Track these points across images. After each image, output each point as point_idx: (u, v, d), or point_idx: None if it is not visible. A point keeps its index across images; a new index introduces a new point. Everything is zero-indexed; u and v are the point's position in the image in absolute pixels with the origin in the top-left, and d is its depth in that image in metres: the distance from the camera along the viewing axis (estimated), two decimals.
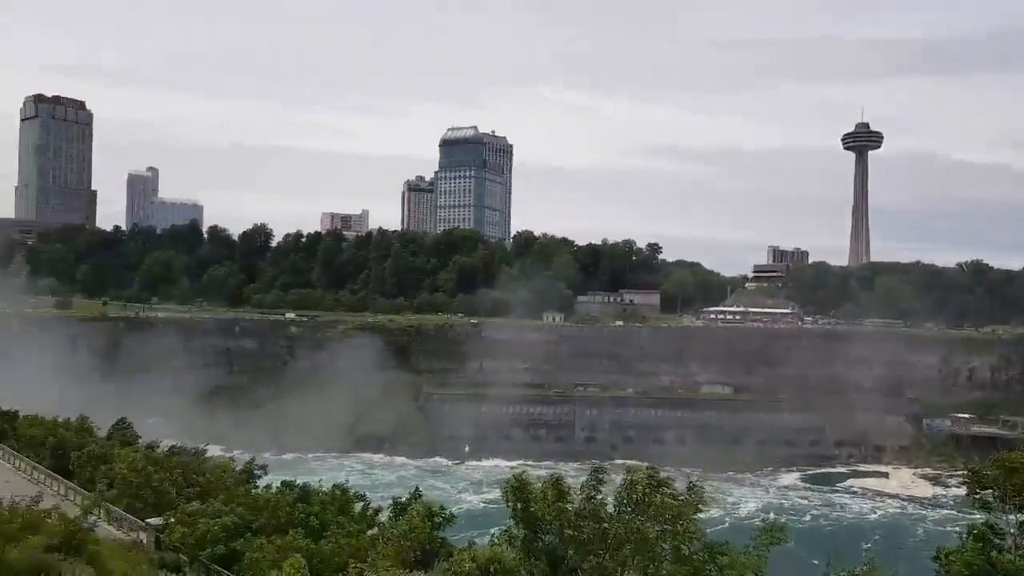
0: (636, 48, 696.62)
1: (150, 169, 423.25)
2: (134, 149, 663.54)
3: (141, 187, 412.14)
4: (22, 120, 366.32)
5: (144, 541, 32.49)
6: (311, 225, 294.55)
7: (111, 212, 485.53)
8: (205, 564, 31.58)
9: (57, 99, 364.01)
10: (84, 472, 46.65)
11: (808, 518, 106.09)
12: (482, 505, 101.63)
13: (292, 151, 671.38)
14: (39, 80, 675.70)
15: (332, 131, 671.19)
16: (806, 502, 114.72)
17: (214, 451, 61.54)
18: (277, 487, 40.59)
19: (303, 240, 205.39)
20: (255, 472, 46.76)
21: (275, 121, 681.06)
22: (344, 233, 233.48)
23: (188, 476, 41.00)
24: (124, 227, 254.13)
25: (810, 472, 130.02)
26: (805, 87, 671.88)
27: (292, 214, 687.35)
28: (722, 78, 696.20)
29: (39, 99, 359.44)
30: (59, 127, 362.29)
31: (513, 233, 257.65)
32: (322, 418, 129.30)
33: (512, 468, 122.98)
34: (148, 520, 34.27)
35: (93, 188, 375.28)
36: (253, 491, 41.74)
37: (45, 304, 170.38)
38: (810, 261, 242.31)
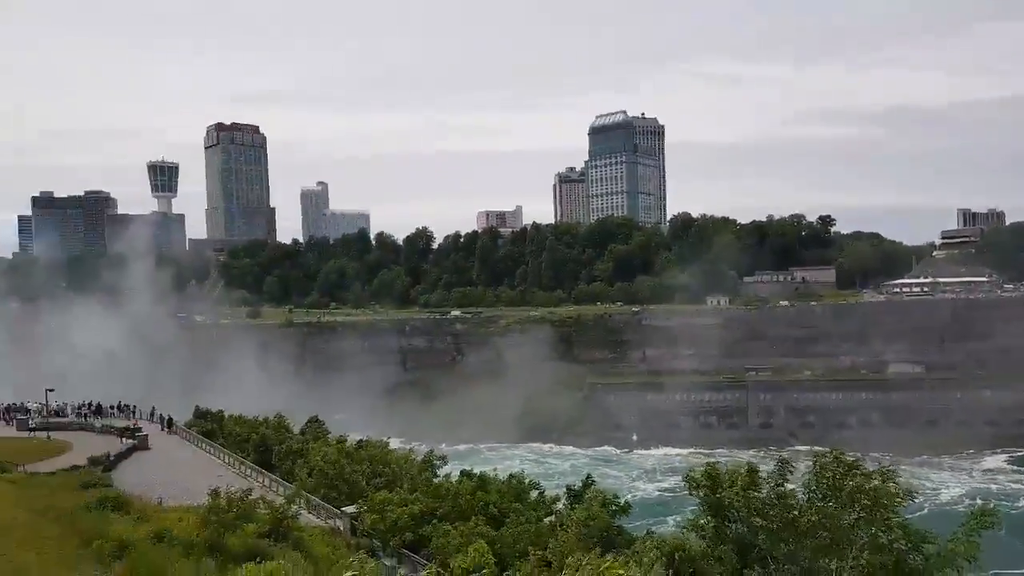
0: (795, 8, 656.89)
1: (320, 183, 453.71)
2: (305, 166, 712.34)
3: (313, 201, 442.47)
4: (207, 148, 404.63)
5: (341, 528, 34.73)
6: (469, 225, 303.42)
7: (289, 227, 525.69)
8: (396, 549, 33.33)
9: (235, 126, 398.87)
10: (284, 465, 50.69)
11: (1022, 503, 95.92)
12: (656, 493, 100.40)
13: (448, 155, 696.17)
14: (218, 110, 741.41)
15: (485, 132, 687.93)
16: (1018, 486, 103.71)
17: (395, 443, 64.81)
18: (456, 476, 42.12)
19: (462, 240, 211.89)
20: (435, 462, 48.68)
21: (432, 128, 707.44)
22: (500, 230, 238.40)
23: (375, 467, 43.38)
24: (301, 239, 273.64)
25: (1019, 454, 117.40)
26: (981, 36, 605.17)
27: (451, 216, 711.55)
28: (887, 28, 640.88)
29: (219, 127, 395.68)
30: (239, 151, 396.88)
31: (670, 216, 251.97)
32: (492, 410, 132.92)
33: (684, 456, 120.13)
34: (343, 508, 36.62)
35: (272, 205, 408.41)
36: (435, 480, 43.56)
37: (238, 314, 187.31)
38: (1007, 223, 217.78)
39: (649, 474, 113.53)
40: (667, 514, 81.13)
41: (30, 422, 65.05)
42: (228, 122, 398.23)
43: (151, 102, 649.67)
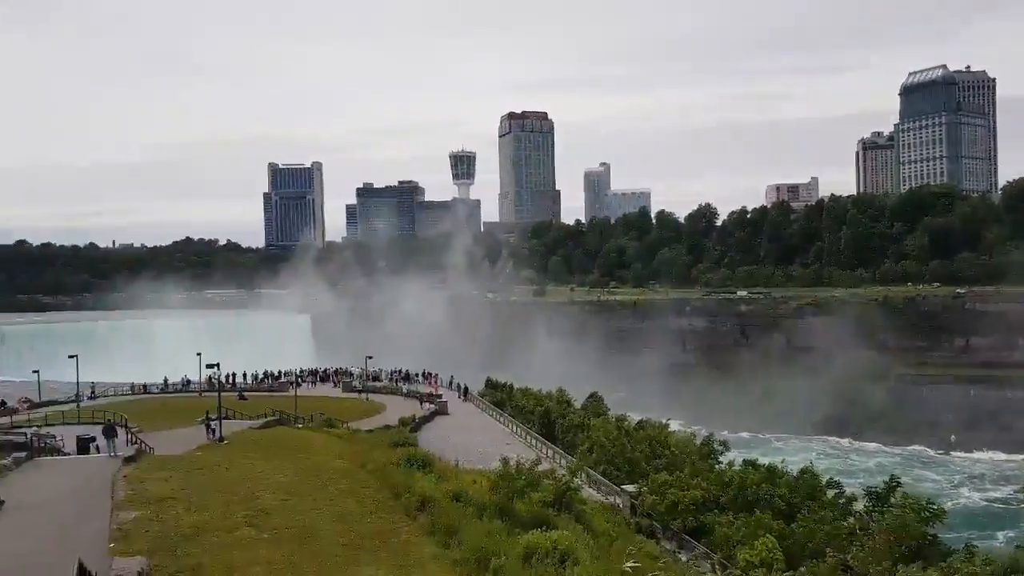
0: None
1: (602, 164, 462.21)
2: (589, 147, 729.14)
3: (596, 181, 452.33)
4: (500, 137, 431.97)
5: (620, 505, 34.88)
6: (756, 200, 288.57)
7: (573, 207, 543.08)
8: (676, 532, 32.62)
9: (524, 114, 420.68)
10: (566, 438, 52.37)
11: None
12: (983, 503, 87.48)
13: (733, 126, 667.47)
14: (512, 99, 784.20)
15: (773, 98, 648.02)
16: None
17: (674, 425, 63.83)
18: (739, 465, 40.18)
19: (748, 215, 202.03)
20: (716, 448, 47.04)
21: (715, 99, 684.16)
22: (791, 204, 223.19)
23: (655, 448, 42.99)
24: (584, 220, 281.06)
25: None
26: None
27: (736, 191, 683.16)
28: None
29: (511, 116, 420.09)
30: (528, 138, 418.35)
31: (1002, 184, 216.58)
32: (781, 398, 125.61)
33: (1018, 464, 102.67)
34: (623, 486, 36.74)
35: (557, 188, 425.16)
36: (716, 467, 42.00)
37: (525, 292, 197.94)
38: None
39: (975, 480, 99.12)
40: (996, 528, 70.64)
41: (354, 383, 74.82)
42: (519, 111, 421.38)
43: (452, 97, 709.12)
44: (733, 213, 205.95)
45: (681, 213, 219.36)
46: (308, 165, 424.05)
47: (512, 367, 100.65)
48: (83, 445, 36.71)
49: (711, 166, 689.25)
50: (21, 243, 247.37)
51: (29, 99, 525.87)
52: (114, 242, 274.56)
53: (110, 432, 35.99)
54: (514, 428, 53.39)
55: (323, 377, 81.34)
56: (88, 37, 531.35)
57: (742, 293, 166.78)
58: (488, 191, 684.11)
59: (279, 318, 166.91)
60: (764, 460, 41.49)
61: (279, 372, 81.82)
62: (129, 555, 15.74)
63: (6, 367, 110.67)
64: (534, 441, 47.76)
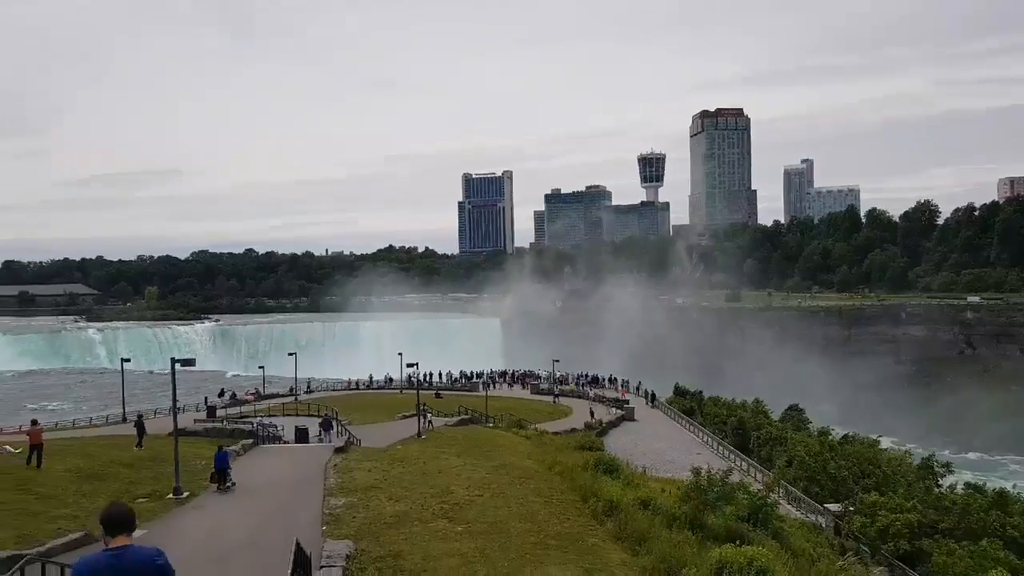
0: None
1: (804, 161, 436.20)
2: (787, 145, 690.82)
3: (796, 180, 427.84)
4: (691, 136, 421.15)
5: (823, 525, 32.56)
6: (984, 196, 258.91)
7: (770, 208, 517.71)
8: (887, 558, 29.90)
9: (718, 112, 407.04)
10: (762, 451, 49.80)
11: None
12: None
13: (959, 115, 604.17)
14: (702, 98, 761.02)
15: (1005, 82, 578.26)
16: None
17: (886, 443, 58.72)
18: (963, 488, 36.18)
19: (976, 213, 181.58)
20: (936, 469, 42.60)
21: (933, 86, 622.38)
22: None
23: (863, 466, 39.71)
24: (782, 220, 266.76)
25: None
26: None
27: (960, 187, 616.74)
28: None
29: (703, 115, 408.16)
30: (721, 136, 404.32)
31: None
32: (1015, 416, 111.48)
33: None
34: (826, 504, 34.28)
35: (752, 187, 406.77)
36: (936, 489, 38.07)
37: (717, 297, 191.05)
38: None
39: None
40: None
41: (542, 386, 76.02)
42: (712, 108, 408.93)
43: (639, 100, 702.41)
44: (958, 210, 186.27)
45: (895, 211, 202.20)
46: (499, 174, 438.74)
47: (702, 375, 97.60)
48: (300, 435, 40.35)
49: (929, 160, 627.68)
50: (249, 251, 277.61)
51: (259, 122, 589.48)
52: (327, 250, 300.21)
53: (327, 426, 39.24)
54: (704, 437, 51.66)
55: (512, 379, 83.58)
56: (300, 66, 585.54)
57: (974, 299, 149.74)
58: (678, 193, 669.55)
59: (471, 321, 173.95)
60: (993, 484, 36.97)
61: (471, 373, 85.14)
62: (339, 539, 16.97)
63: (237, 363, 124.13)
64: (726, 452, 45.93)
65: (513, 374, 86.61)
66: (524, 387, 78.64)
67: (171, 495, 24.55)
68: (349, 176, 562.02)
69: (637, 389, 74.46)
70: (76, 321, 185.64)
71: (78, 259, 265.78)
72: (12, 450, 28.01)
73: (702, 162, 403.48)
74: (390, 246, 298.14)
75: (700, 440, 51.28)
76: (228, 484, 25.55)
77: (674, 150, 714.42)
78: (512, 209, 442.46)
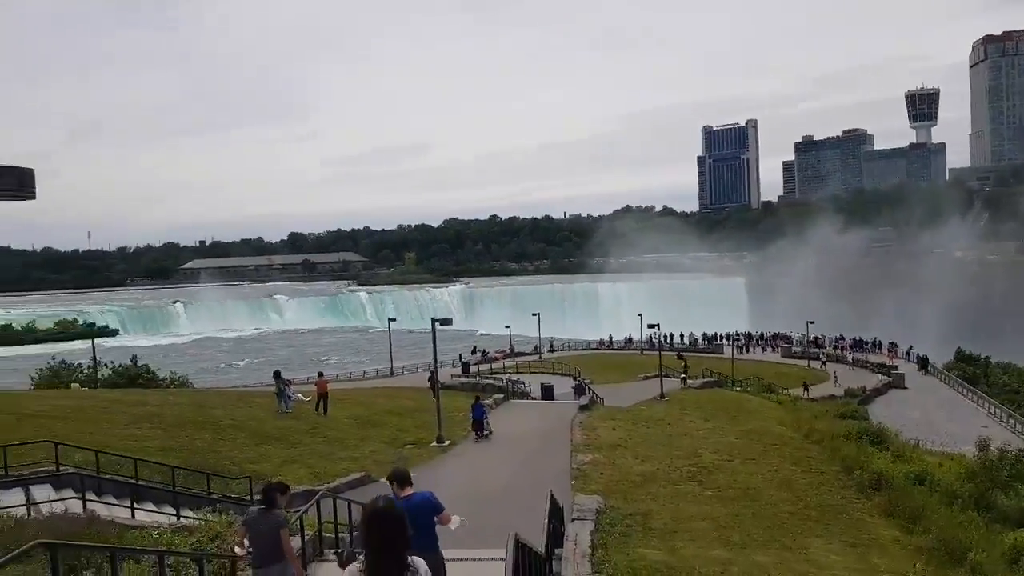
0: None
1: None
2: None
3: None
4: (971, 66, 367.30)
5: None
6: None
7: None
8: None
9: (1006, 35, 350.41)
10: None
11: None
12: None
13: None
14: (977, 23, 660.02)
15: None
16: None
17: None
18: None
19: None
20: None
21: None
22: None
23: None
24: None
25: None
26: None
27: None
28: None
29: (987, 40, 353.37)
30: (1010, 64, 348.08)
31: None
32: None
33: None
34: None
35: None
36: None
37: (1006, 250, 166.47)
38: None
39: None
40: None
41: (793, 349, 71.65)
42: (998, 32, 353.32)
43: (906, 30, 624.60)
44: None
45: None
46: (742, 124, 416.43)
47: (988, 339, 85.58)
48: (546, 391, 41.78)
49: None
50: (494, 217, 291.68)
51: (497, 91, 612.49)
52: (565, 213, 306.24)
53: (580, 390, 40.24)
54: (992, 409, 45.51)
55: (761, 342, 79.74)
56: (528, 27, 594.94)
57: None
58: (954, 133, 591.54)
59: (713, 281, 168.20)
60: None
61: (715, 335, 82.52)
62: (587, 494, 17.25)
63: (486, 323, 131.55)
64: (1019, 425, 40.12)
65: (761, 336, 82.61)
66: (774, 350, 74.70)
67: (434, 443, 26.63)
68: (587, 137, 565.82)
69: (907, 354, 67.43)
70: (348, 285, 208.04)
71: (349, 230, 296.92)
72: (304, 398, 32.02)
73: (985, 95, 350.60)
74: (627, 206, 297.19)
75: (986, 412, 45.29)
76: (486, 433, 27.55)
77: (948, 84, 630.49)
78: (757, 161, 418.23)
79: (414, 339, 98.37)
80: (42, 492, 15.21)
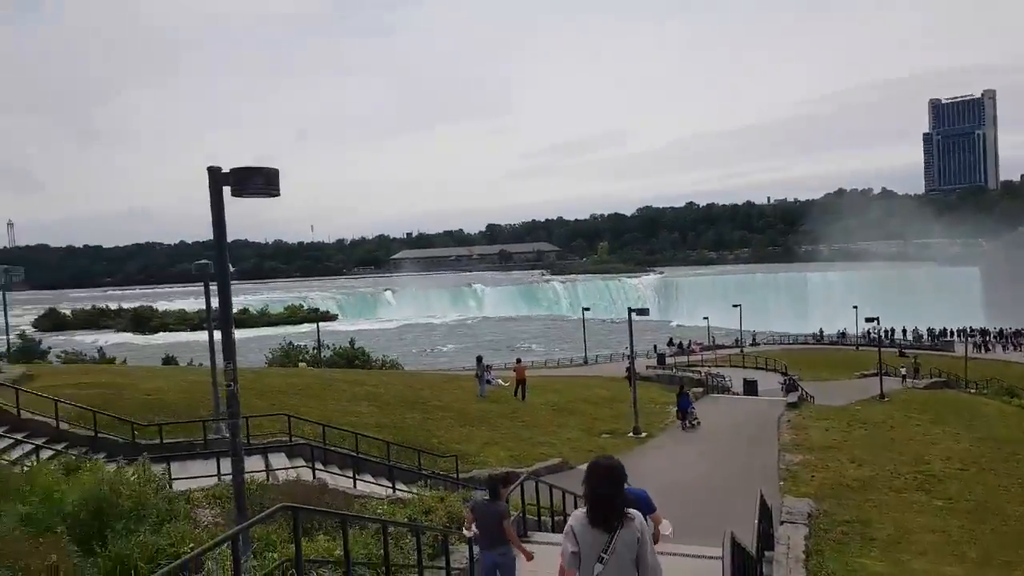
0: None
1: None
2: None
3: None
4: None
5: None
6: None
7: None
8: None
9: None
10: None
11: None
12: None
13: None
14: None
15: None
16: None
17: None
18: None
19: None
20: None
21: None
22: None
23: None
24: None
25: None
26: None
27: None
28: None
29: None
30: None
31: None
32: None
33: None
34: None
35: None
36: None
37: None
38: None
39: None
40: None
41: None
42: None
43: None
44: None
45: None
46: (977, 95, 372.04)
47: None
48: (749, 387, 39.95)
49: None
50: (690, 204, 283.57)
51: (691, 72, 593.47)
52: (769, 198, 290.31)
53: (790, 386, 38.22)
54: None
55: (997, 339, 71.04)
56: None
57: None
58: None
59: (940, 271, 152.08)
60: None
61: (943, 330, 74.65)
62: (797, 496, 16.25)
63: (680, 314, 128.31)
64: None
65: (1000, 333, 73.55)
66: (1016, 349, 66.29)
67: (631, 433, 26.40)
68: (792, 117, 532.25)
69: None
70: (542, 274, 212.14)
71: (543, 220, 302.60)
72: (503, 383, 33.05)
73: None
74: (840, 189, 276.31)
75: None
76: (694, 423, 27.19)
77: None
78: (995, 136, 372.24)
79: (607, 328, 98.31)
80: (278, 460, 16.89)
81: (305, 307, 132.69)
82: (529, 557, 7.93)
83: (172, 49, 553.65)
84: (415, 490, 15.80)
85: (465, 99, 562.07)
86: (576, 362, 63.00)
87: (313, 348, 51.27)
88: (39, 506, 8.05)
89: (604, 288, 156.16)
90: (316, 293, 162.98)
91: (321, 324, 63.96)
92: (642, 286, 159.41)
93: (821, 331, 79.10)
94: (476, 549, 9.48)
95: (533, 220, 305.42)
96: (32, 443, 15.31)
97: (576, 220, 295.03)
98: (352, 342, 52.54)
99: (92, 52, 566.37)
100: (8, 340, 45.81)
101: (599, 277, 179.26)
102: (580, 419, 28.91)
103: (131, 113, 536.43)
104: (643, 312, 29.82)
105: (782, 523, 13.39)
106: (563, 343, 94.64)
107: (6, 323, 44.90)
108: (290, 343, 51.57)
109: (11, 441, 15.25)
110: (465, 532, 8.61)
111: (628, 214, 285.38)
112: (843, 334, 75.06)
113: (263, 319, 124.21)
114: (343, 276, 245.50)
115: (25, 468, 10.99)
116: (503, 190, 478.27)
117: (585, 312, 66.27)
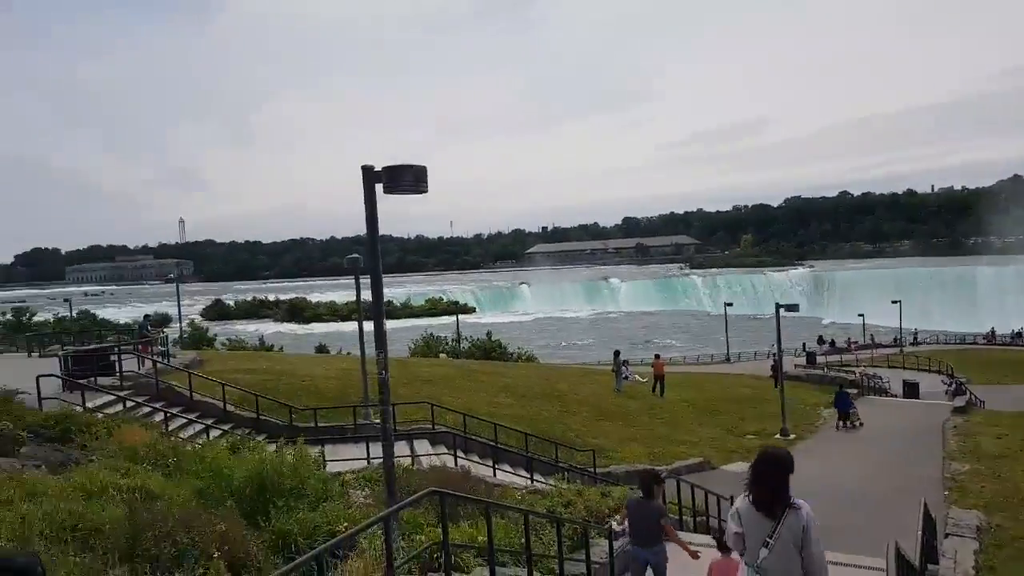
0: None
1: None
2: None
3: None
4: None
5: None
6: None
7: None
8: None
9: None
10: None
11: None
12: None
13: None
14: None
15: None
16: None
17: None
18: None
19: None
20: None
21: None
22: None
23: None
24: None
25: None
26: None
27: None
28: None
29: None
30: None
31: None
32: None
33: None
34: None
35: None
36: None
37: None
38: None
39: None
40: None
41: None
42: None
43: None
44: None
45: None
46: None
47: None
48: (909, 389, 37.23)
49: None
50: (844, 194, 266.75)
51: (836, 57, 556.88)
52: (933, 187, 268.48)
53: (957, 390, 35.53)
54: None
55: None
56: None
57: None
58: None
59: None
60: None
61: None
62: (964, 507, 15.00)
63: (832, 310, 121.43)
64: None
65: None
66: None
67: (778, 435, 25.32)
68: (959, 99, 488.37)
69: None
70: (681, 268, 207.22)
71: (682, 212, 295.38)
72: (640, 379, 32.59)
73: None
74: (1015, 176, 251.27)
75: None
76: (856, 423, 26.08)
77: None
78: None
79: (751, 325, 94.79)
80: (421, 446, 17.52)
81: (445, 300, 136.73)
82: (695, 555, 7.90)
83: (316, 54, 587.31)
84: (552, 482, 15.89)
85: (602, 91, 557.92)
86: (717, 359, 61.12)
87: (452, 339, 52.71)
88: (211, 481, 8.72)
89: (748, 282, 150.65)
90: (455, 286, 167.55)
91: (460, 316, 65.67)
92: (790, 280, 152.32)
93: (993, 331, 72.42)
94: (616, 544, 9.42)
95: (672, 212, 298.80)
96: (203, 423, 16.69)
97: (717, 212, 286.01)
98: (489, 334, 53.56)
99: (247, 60, 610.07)
100: (181, 328, 50.32)
101: (742, 271, 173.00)
102: (722, 418, 28.03)
103: (282, 116, 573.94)
104: (792, 308, 28.43)
105: (947, 536, 12.45)
106: (703, 339, 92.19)
107: (179, 312, 49.37)
108: (431, 334, 53.25)
109: (185, 420, 16.71)
110: (615, 526, 8.77)
111: (774, 205, 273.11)
112: (1019, 334, 68.43)
113: (405, 311, 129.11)
114: (480, 270, 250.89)
115: (196, 445, 11.97)
116: (640, 182, 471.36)
117: (727, 307, 64.08)
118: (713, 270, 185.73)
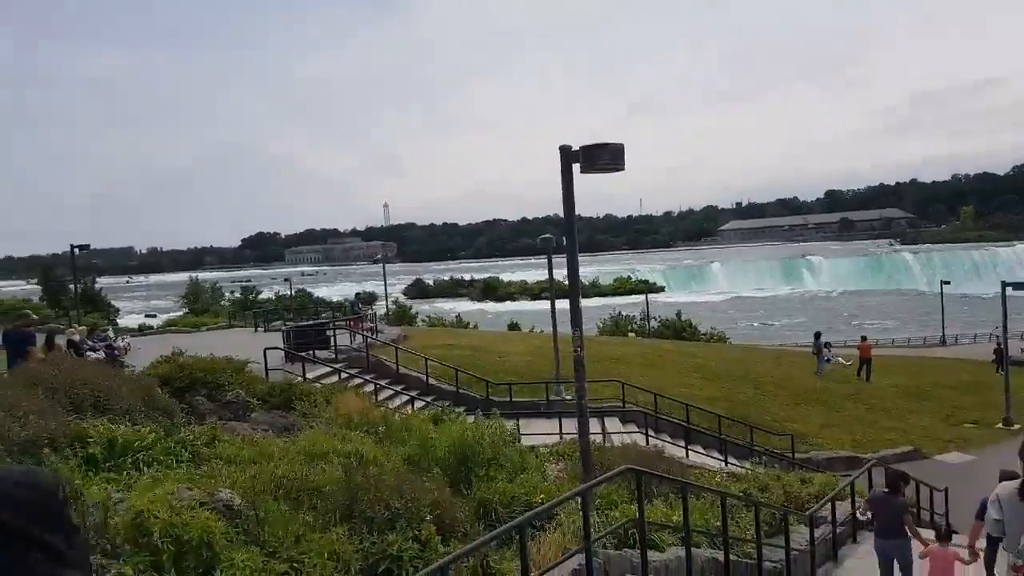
0: None
1: None
2: None
3: None
4: None
5: None
6: None
7: None
8: None
9: None
10: None
11: None
12: None
13: None
14: None
15: None
16: None
17: None
18: None
19: None
20: None
21: None
22: None
23: None
24: None
25: None
26: None
27: None
28: None
29: None
30: None
31: None
32: None
33: None
34: None
35: None
36: None
37: None
38: None
39: None
40: None
41: None
42: None
43: None
44: None
45: None
46: None
47: None
48: None
49: None
50: None
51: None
52: None
53: None
54: None
55: None
56: None
57: None
58: None
59: None
60: None
61: None
62: None
63: None
64: None
65: None
66: None
67: (1000, 424, 22.91)
68: None
69: None
70: (891, 244, 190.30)
71: (893, 184, 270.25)
72: (844, 362, 30.54)
73: None
74: None
75: None
76: None
77: None
78: None
79: (971, 305, 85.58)
80: (612, 424, 17.68)
81: (633, 279, 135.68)
82: (926, 550, 8.21)
83: (506, 39, 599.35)
84: (747, 466, 15.45)
85: (807, 54, 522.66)
86: (931, 342, 55.80)
87: (641, 319, 52.28)
88: (418, 448, 9.40)
89: (968, 259, 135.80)
90: (643, 265, 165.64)
91: (649, 296, 64.93)
92: (1018, 256, 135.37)
93: None
94: (819, 530, 9.06)
95: (881, 184, 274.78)
96: (408, 394, 17.94)
97: (933, 182, 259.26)
98: (679, 314, 52.53)
99: (444, 49, 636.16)
100: (387, 305, 54.05)
101: (961, 247, 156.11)
102: (936, 404, 25.69)
103: (475, 101, 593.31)
104: (1020, 286, 25.31)
105: None
106: (914, 321, 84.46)
107: (385, 291, 53.03)
108: (619, 313, 53.19)
109: (392, 392, 18.04)
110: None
111: (1001, 174, 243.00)
112: None
113: (594, 290, 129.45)
114: (670, 248, 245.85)
115: (403, 415, 12.89)
116: (847, 153, 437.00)
117: (944, 286, 58.21)
118: (927, 246, 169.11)
